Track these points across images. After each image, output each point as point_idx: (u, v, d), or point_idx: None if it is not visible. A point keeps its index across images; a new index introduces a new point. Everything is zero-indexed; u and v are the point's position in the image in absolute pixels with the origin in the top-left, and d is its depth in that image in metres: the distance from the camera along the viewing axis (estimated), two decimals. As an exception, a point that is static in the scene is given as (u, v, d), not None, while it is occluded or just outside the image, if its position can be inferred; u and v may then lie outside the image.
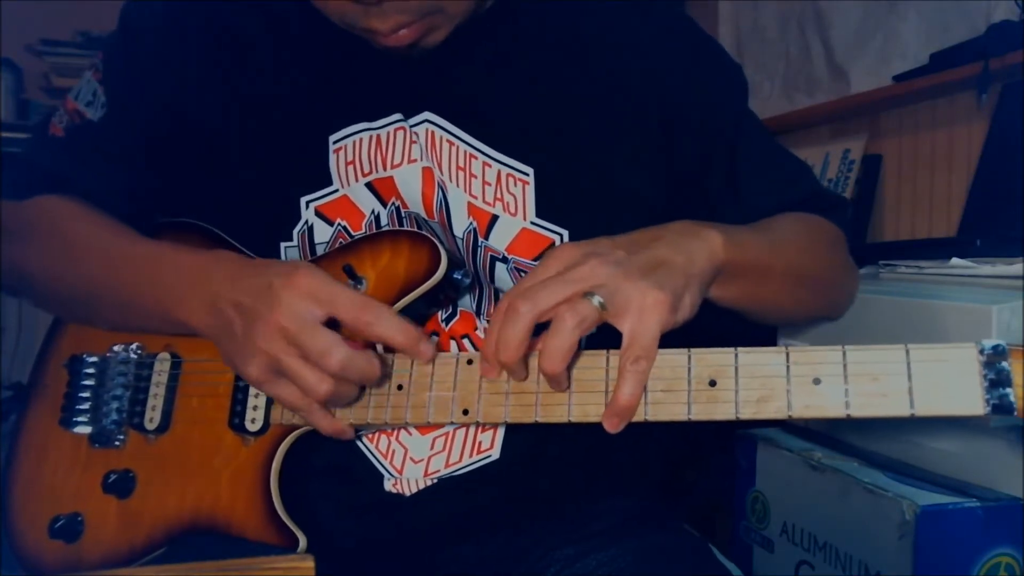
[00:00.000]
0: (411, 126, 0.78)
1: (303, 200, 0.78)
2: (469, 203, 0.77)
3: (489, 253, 0.77)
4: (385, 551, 0.78)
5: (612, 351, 0.63)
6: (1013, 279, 1.05)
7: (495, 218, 0.77)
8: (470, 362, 0.67)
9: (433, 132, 0.77)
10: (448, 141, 0.77)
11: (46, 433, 0.82)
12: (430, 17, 0.70)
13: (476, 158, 0.77)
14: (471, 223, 0.77)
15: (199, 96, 0.80)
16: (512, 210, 0.77)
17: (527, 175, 0.77)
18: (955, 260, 1.17)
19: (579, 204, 0.78)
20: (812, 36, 2.19)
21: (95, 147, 0.83)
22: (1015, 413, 0.53)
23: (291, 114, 0.79)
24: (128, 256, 0.77)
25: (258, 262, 0.72)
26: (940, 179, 1.82)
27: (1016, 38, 1.49)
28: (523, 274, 0.77)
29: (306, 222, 0.78)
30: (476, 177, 0.77)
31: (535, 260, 0.77)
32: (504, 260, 0.77)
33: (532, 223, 0.77)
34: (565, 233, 0.77)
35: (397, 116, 0.78)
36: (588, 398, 0.63)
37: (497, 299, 0.79)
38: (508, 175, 0.77)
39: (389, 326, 0.65)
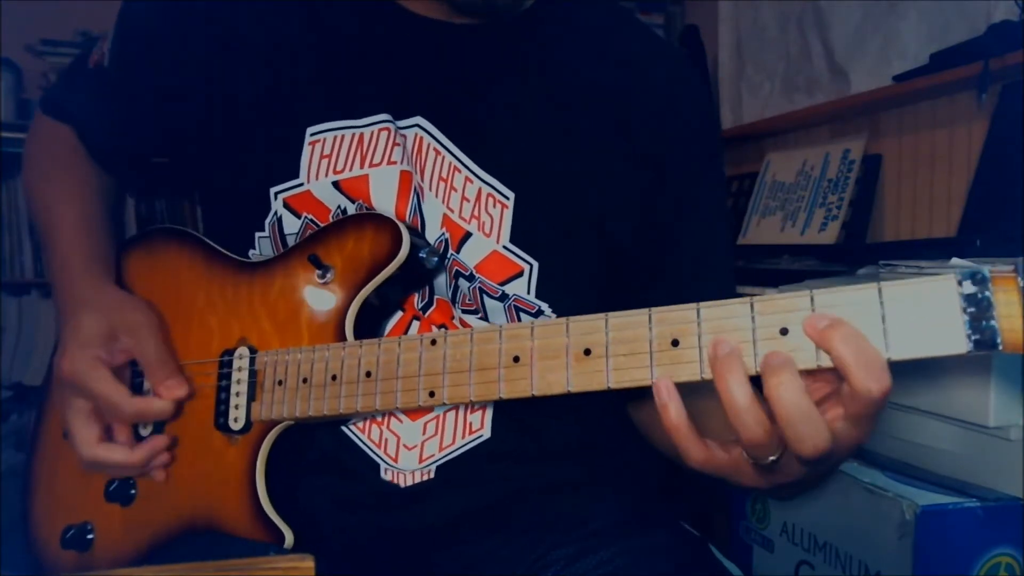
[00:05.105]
0: (399, 128, 0.77)
1: (272, 191, 0.78)
2: (445, 215, 0.76)
3: (456, 267, 0.77)
4: (383, 547, 0.78)
5: (571, 318, 0.60)
6: (1013, 279, 1.05)
7: (468, 235, 0.76)
8: (433, 342, 0.66)
9: (421, 138, 0.77)
10: (435, 149, 0.77)
11: (56, 446, 0.83)
12: None
13: (460, 171, 0.77)
14: (444, 233, 0.77)
15: (196, 77, 0.81)
16: (487, 230, 0.76)
17: (507, 199, 0.76)
18: (955, 260, 1.17)
19: (553, 237, 0.78)
20: (812, 36, 2.19)
21: (99, 91, 0.89)
22: (999, 347, 0.48)
23: (275, 104, 0.79)
24: (56, 240, 0.85)
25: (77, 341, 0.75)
26: (940, 179, 1.82)
27: (1016, 38, 1.49)
28: (486, 295, 0.77)
29: (275, 213, 0.78)
30: (456, 191, 0.77)
31: (501, 284, 0.77)
32: (471, 278, 0.77)
33: (504, 247, 0.76)
34: (535, 264, 0.77)
35: (384, 116, 0.77)
36: (550, 365, 0.60)
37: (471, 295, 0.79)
38: (489, 195, 0.76)
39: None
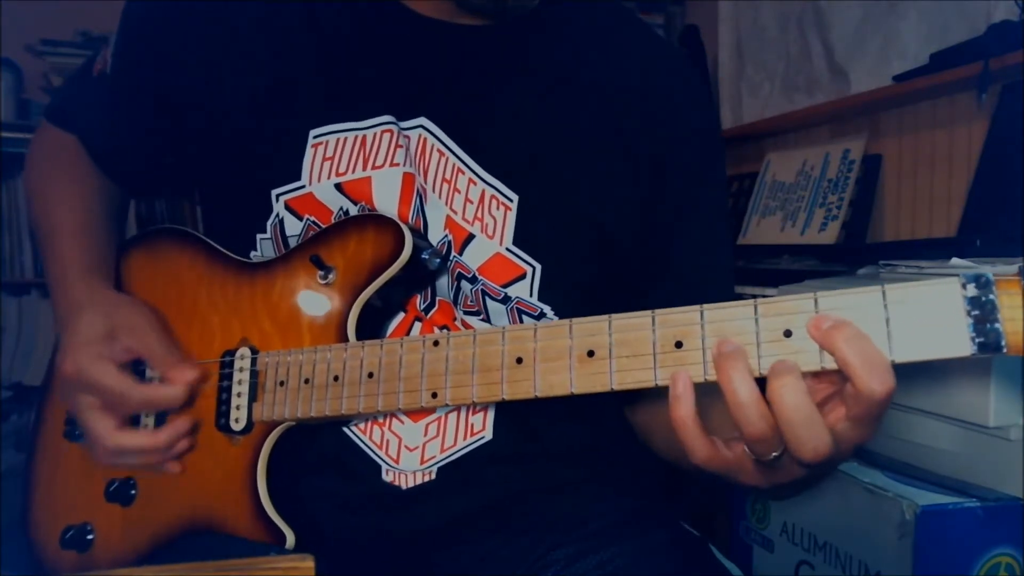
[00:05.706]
0: (402, 129, 0.77)
1: (273, 192, 0.78)
2: (448, 217, 0.76)
3: (458, 269, 0.77)
4: (384, 548, 0.78)
5: (575, 320, 0.60)
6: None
7: (471, 237, 0.76)
8: (436, 344, 0.66)
9: (425, 139, 0.77)
10: (439, 151, 0.77)
11: (55, 446, 0.84)
12: None
13: (463, 173, 0.77)
14: (446, 235, 0.77)
15: (197, 77, 0.81)
16: (490, 232, 0.76)
17: (511, 201, 0.76)
18: (955, 260, 1.17)
19: (556, 240, 0.78)
20: (812, 36, 2.19)
21: (102, 98, 0.89)
22: (1004, 350, 0.48)
23: (276, 105, 0.79)
24: (55, 245, 0.84)
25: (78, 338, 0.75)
26: (940, 179, 1.82)
27: (1016, 38, 1.49)
28: (489, 297, 0.77)
29: (277, 214, 0.78)
30: (460, 192, 0.77)
31: (504, 287, 0.77)
32: (473, 280, 0.77)
33: (508, 249, 0.76)
34: (538, 267, 0.77)
35: (387, 118, 0.77)
36: (553, 367, 0.60)
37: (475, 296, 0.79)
38: (492, 197, 0.76)
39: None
